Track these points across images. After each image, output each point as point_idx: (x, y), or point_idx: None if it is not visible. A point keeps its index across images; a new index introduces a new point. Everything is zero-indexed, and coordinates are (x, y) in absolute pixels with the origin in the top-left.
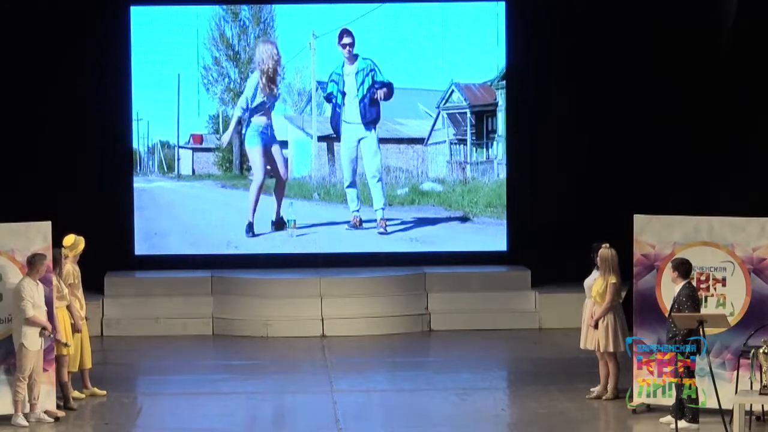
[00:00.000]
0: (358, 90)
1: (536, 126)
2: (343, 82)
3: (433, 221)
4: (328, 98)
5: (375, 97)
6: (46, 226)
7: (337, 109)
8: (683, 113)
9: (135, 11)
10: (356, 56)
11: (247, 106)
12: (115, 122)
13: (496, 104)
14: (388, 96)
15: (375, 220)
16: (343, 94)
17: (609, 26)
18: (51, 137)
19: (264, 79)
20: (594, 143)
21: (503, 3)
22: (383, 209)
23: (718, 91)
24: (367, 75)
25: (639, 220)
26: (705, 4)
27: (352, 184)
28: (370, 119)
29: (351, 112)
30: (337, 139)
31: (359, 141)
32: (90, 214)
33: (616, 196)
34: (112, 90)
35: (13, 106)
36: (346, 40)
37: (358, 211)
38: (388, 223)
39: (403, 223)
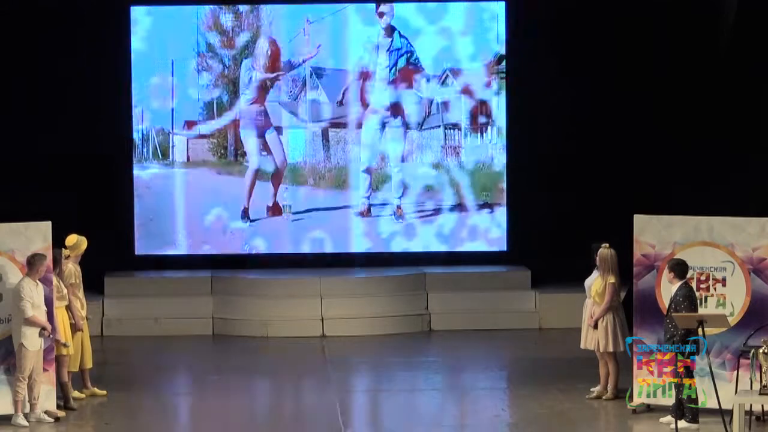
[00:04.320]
0: (390, 71)
1: (536, 128)
2: (376, 53)
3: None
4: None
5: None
6: (46, 226)
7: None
8: (683, 113)
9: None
10: (393, 29)
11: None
12: (114, 112)
13: (492, 89)
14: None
15: (382, 205)
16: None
17: (608, 27)
18: (49, 132)
19: (258, 74)
20: (593, 144)
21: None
22: (400, 198)
23: (718, 91)
24: (401, 57)
25: (639, 220)
26: (705, 3)
27: (368, 170)
28: (395, 107)
29: (377, 94)
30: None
31: (384, 126)
32: (89, 206)
33: (616, 196)
34: (108, 80)
35: (8, 96)
36: (384, 8)
37: (368, 197)
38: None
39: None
